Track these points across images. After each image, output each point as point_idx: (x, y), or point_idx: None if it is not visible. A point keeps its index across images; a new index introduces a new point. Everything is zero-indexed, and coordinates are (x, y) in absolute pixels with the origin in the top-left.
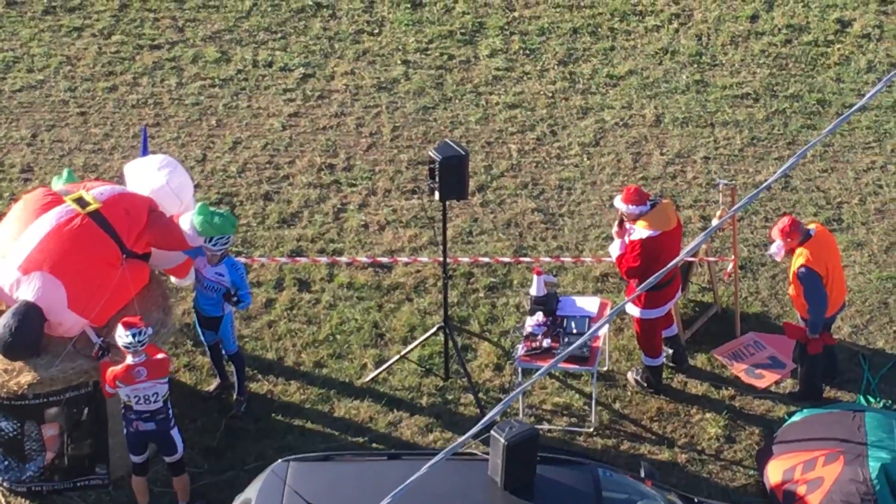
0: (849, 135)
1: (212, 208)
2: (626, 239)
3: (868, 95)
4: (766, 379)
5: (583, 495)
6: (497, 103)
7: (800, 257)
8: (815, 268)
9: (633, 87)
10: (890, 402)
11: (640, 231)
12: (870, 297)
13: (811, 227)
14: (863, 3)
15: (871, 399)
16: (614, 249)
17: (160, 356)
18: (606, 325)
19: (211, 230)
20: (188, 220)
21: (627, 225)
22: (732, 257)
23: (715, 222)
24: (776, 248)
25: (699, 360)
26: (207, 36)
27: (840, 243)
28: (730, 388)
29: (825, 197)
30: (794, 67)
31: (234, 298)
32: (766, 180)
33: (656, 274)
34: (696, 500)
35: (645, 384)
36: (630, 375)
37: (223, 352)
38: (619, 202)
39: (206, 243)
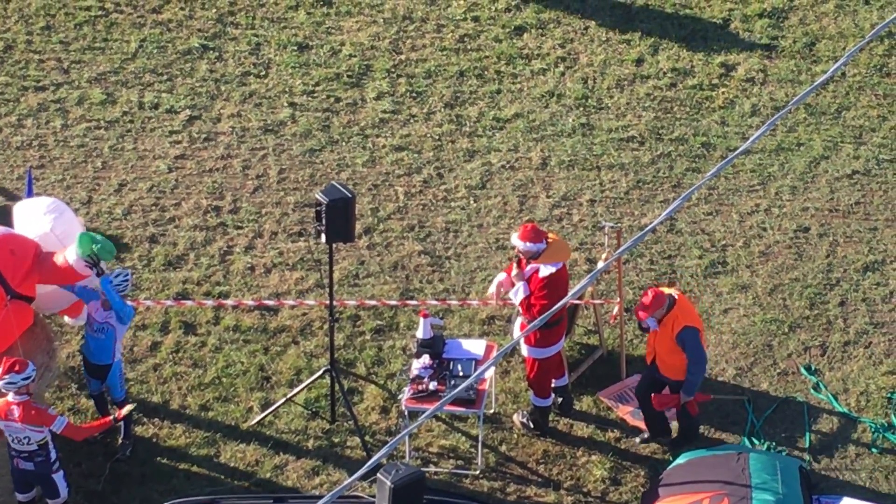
0: (733, 178)
1: (92, 234)
2: (521, 282)
3: (752, 139)
4: None
5: None
6: (384, 146)
7: (675, 322)
8: (695, 325)
9: (520, 130)
10: (774, 443)
11: (545, 268)
12: (754, 340)
13: (671, 291)
14: (747, 48)
15: (756, 441)
16: (517, 294)
17: (43, 409)
18: (493, 368)
19: (92, 246)
20: (72, 252)
21: (524, 263)
22: (618, 300)
23: (600, 265)
24: (653, 323)
25: (585, 403)
26: (93, 77)
27: (724, 286)
28: (615, 431)
29: (710, 240)
30: (679, 111)
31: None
32: (651, 223)
33: (549, 311)
34: None
35: (531, 426)
36: (516, 418)
37: (111, 398)
38: (516, 240)
39: (106, 284)
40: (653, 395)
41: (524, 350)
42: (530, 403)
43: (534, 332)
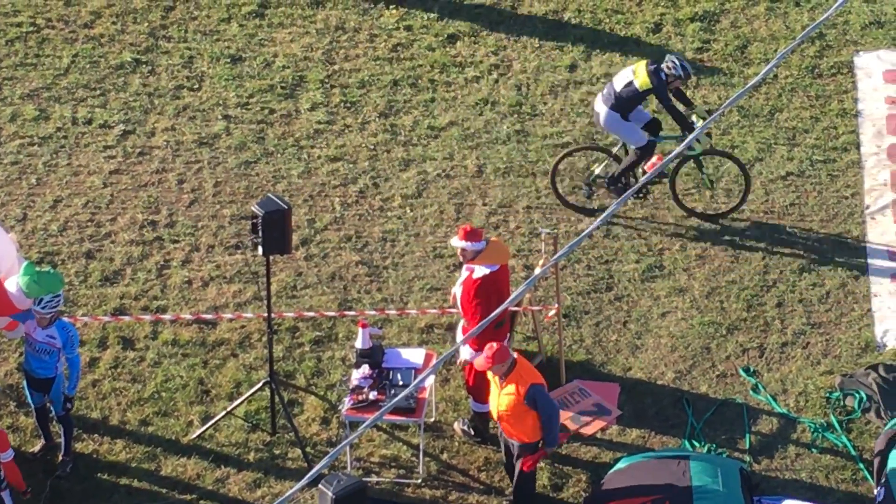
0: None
1: (37, 268)
2: (460, 281)
3: (685, 142)
4: (591, 426)
5: None
6: (319, 157)
7: (520, 382)
8: (538, 381)
9: (455, 138)
10: (714, 446)
11: (481, 269)
12: (692, 343)
13: (514, 355)
14: (680, 52)
15: (696, 444)
16: (457, 296)
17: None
18: (432, 376)
19: (38, 290)
20: (14, 283)
21: (465, 265)
22: (556, 305)
23: (537, 271)
24: (466, 352)
25: None
26: (25, 94)
27: (662, 290)
28: None
29: (646, 244)
30: None
31: (69, 405)
32: (587, 228)
33: (491, 314)
34: None
35: (472, 433)
36: (457, 426)
37: (52, 413)
38: (456, 241)
39: (35, 306)
40: (521, 461)
41: (465, 354)
42: (470, 411)
43: (476, 334)
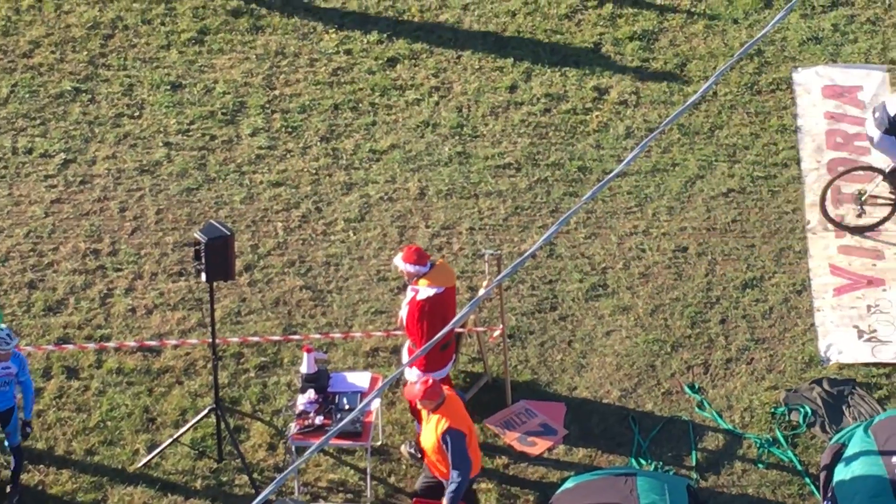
0: (610, 200)
1: None
2: (405, 302)
3: (626, 161)
4: (538, 446)
5: None
6: (261, 182)
7: (441, 421)
8: (459, 428)
9: (396, 161)
10: (661, 463)
11: (425, 290)
12: (637, 361)
13: (446, 389)
14: (619, 71)
15: (643, 461)
16: (404, 313)
17: None
18: (378, 399)
19: None
20: None
21: (409, 286)
22: (500, 326)
23: (481, 292)
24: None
25: None
26: None
27: (606, 308)
28: (503, 457)
29: (590, 263)
30: (554, 136)
31: (28, 430)
32: (530, 248)
33: (437, 335)
34: None
35: (419, 456)
36: (404, 449)
37: (6, 444)
38: (399, 261)
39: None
40: (414, 499)
41: (411, 376)
42: (416, 433)
43: (422, 356)
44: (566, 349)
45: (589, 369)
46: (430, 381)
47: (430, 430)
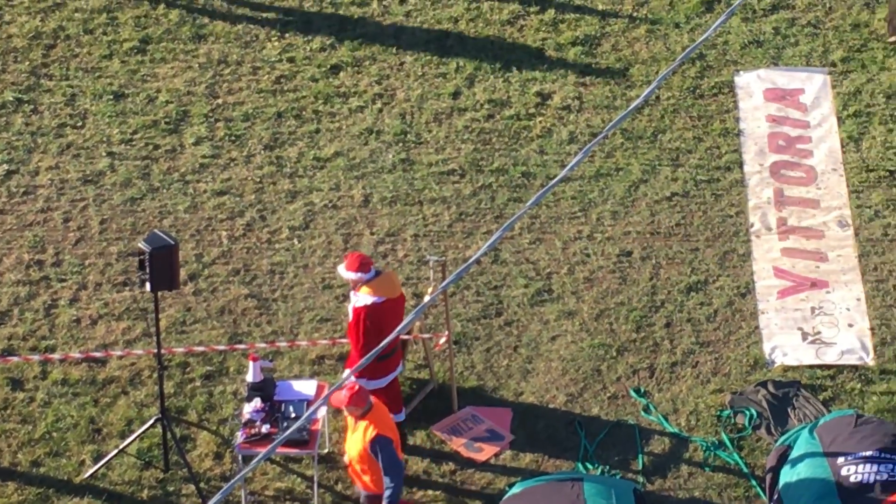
0: (554, 206)
1: None
2: (350, 308)
3: (569, 166)
4: (485, 452)
5: None
6: (205, 191)
7: (369, 429)
8: (387, 435)
9: (340, 169)
10: (608, 467)
11: (365, 297)
12: (583, 365)
13: (372, 401)
14: (561, 76)
15: (590, 466)
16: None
17: None
18: (324, 407)
19: None
20: None
21: (352, 293)
22: (446, 333)
23: (427, 299)
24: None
25: (418, 437)
26: None
27: (551, 314)
28: (450, 463)
29: (535, 268)
30: (497, 142)
31: None
32: (475, 254)
33: (380, 345)
34: None
35: None
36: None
37: None
38: (342, 270)
39: None
40: None
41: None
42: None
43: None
44: (512, 354)
45: (535, 374)
46: (357, 387)
47: (358, 438)
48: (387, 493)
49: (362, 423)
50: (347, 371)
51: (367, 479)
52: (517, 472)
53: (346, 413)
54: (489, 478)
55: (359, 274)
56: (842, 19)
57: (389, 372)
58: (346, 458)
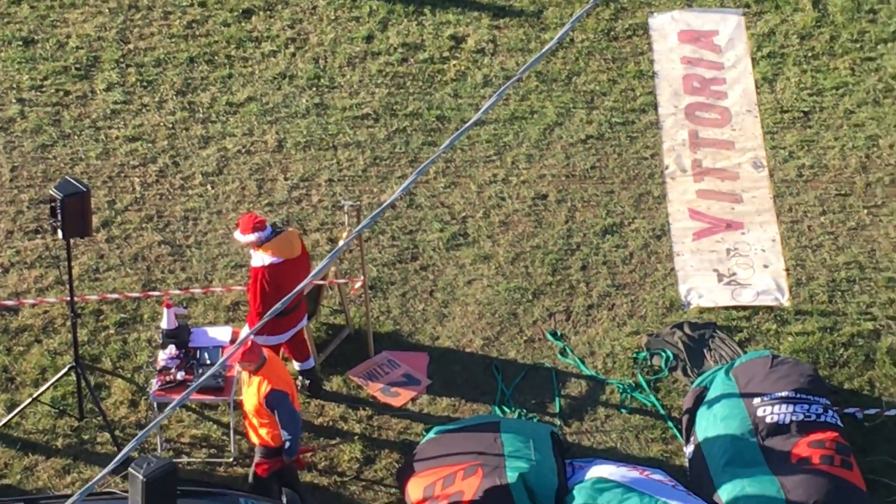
0: (469, 149)
1: None
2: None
3: (483, 109)
4: (402, 397)
5: None
6: (117, 137)
7: (263, 384)
8: (282, 389)
9: (254, 114)
10: (525, 411)
11: (262, 258)
12: (499, 309)
13: (266, 351)
14: (475, 19)
15: (507, 409)
16: None
17: None
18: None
19: None
20: None
21: (252, 252)
22: (361, 277)
23: (341, 244)
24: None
25: (335, 383)
26: None
27: (467, 258)
28: (367, 409)
29: (450, 212)
30: (411, 86)
31: None
32: (389, 198)
33: (280, 302)
34: None
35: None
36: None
37: None
38: (238, 235)
39: None
40: (256, 464)
41: (255, 338)
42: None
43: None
44: (428, 299)
45: (451, 318)
46: (249, 342)
47: (253, 393)
48: (286, 445)
49: (256, 378)
50: (247, 329)
51: (263, 432)
52: (434, 417)
53: (239, 368)
54: (406, 423)
55: (255, 235)
56: None
57: (290, 327)
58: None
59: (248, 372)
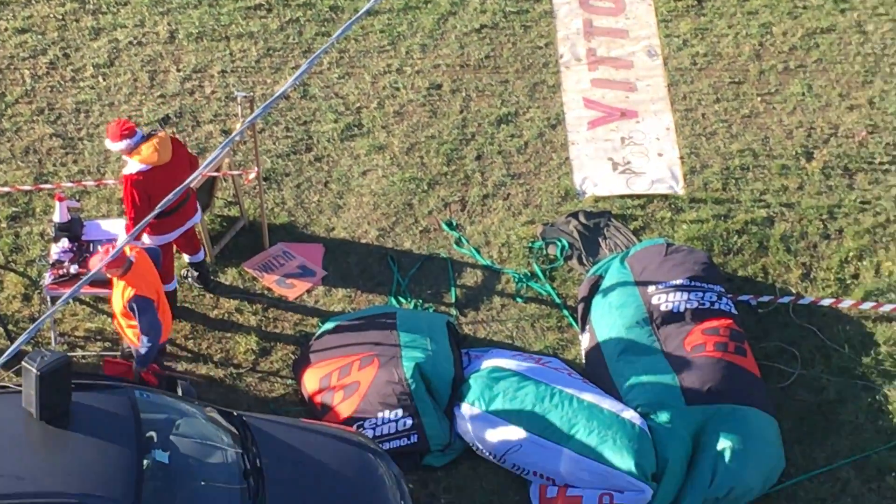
0: (363, 39)
1: None
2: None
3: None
4: (297, 288)
5: (121, 419)
6: (6, 29)
7: (127, 289)
8: (146, 295)
9: (145, 5)
10: (421, 301)
11: (132, 165)
12: (394, 200)
13: (131, 254)
14: None
15: (403, 300)
16: None
17: None
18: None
19: None
20: None
21: (125, 158)
22: (255, 169)
23: (234, 135)
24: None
25: (230, 275)
26: None
27: (362, 148)
28: (262, 301)
29: (344, 103)
30: None
31: None
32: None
33: (160, 204)
34: (235, 414)
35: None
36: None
37: None
38: (108, 143)
39: None
40: (106, 358)
41: (144, 238)
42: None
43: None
44: (323, 190)
45: (346, 209)
46: (109, 249)
47: (118, 296)
48: (141, 350)
49: (122, 283)
50: (124, 235)
51: (130, 333)
52: (330, 308)
53: (107, 274)
54: (302, 314)
55: (124, 142)
56: None
57: (177, 226)
58: None
59: (115, 277)
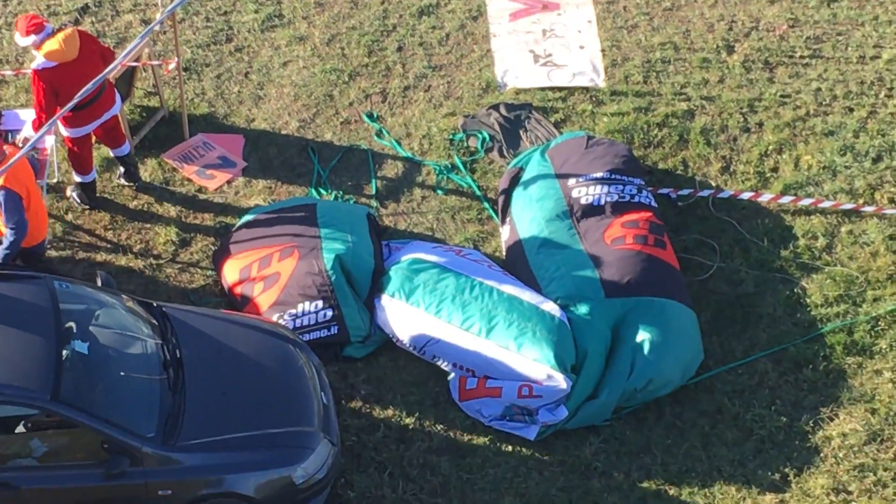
0: None
1: None
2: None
3: None
4: (217, 179)
5: (39, 309)
6: None
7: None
8: (14, 189)
9: None
10: (341, 192)
11: (38, 60)
12: (315, 91)
13: (5, 148)
14: None
15: (323, 191)
16: None
17: None
18: (52, 136)
19: None
20: None
21: (33, 52)
22: (175, 59)
23: (153, 25)
24: None
25: (150, 166)
26: None
27: (283, 39)
28: (182, 192)
29: None
30: None
31: None
32: None
33: (72, 101)
34: (154, 305)
35: (79, 201)
36: (69, 191)
37: None
38: (17, 38)
39: None
40: None
41: (62, 129)
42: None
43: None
44: (243, 81)
45: (266, 100)
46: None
47: None
48: (5, 243)
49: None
50: (30, 131)
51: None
52: (250, 200)
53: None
54: (221, 206)
55: (31, 37)
56: None
57: (94, 119)
58: None
59: None
